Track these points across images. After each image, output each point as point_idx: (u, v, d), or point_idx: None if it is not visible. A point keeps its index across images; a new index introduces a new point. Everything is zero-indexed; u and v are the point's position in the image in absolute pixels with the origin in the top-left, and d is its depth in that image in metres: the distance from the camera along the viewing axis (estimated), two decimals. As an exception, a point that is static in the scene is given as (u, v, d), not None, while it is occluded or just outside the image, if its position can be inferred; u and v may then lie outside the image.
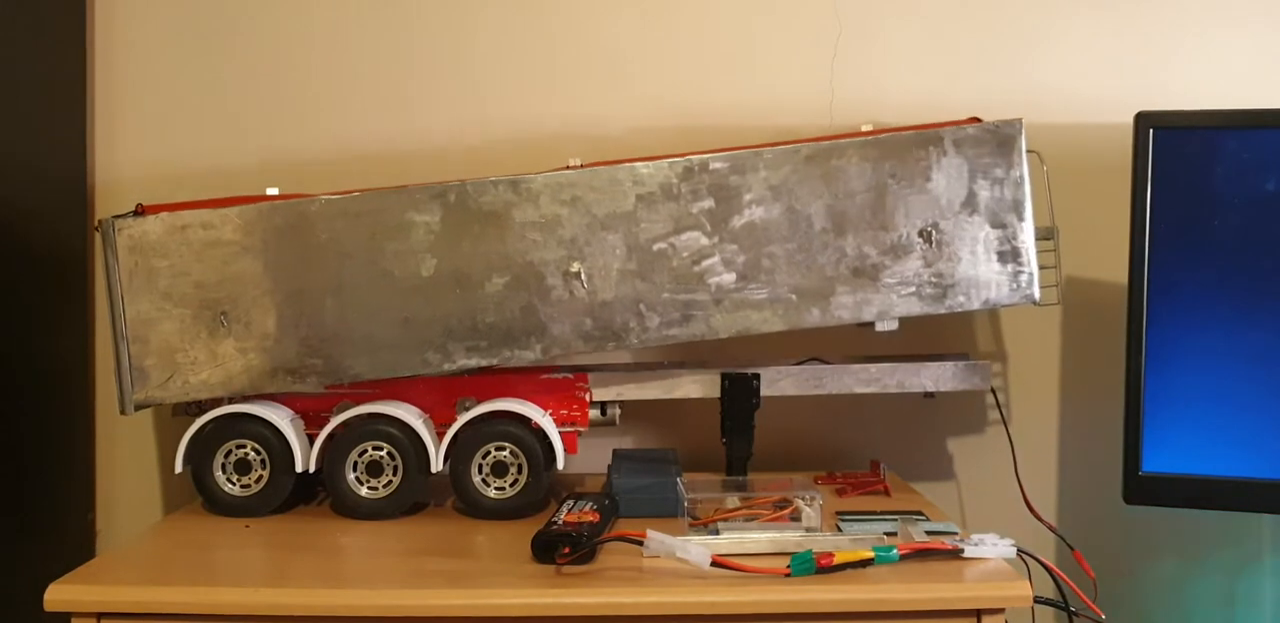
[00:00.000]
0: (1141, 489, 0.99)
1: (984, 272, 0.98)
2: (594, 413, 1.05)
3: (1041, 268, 0.99)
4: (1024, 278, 0.99)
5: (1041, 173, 1.01)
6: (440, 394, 1.03)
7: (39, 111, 1.13)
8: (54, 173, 1.16)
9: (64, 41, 1.17)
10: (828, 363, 1.10)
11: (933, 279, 0.98)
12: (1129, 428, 0.98)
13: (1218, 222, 0.96)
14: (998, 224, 0.98)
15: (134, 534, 0.96)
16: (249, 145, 1.22)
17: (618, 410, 1.06)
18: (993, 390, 1.09)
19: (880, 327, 0.99)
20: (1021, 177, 0.98)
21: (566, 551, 0.82)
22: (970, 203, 0.98)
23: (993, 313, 1.24)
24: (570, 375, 1.04)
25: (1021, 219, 0.98)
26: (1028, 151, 0.98)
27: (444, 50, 1.22)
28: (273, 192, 0.98)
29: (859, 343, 1.23)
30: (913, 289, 0.98)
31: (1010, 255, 0.98)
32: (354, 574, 0.82)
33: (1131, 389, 0.98)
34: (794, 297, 0.98)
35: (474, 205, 0.97)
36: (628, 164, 0.97)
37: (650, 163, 0.97)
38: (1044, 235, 1.00)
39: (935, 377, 1.06)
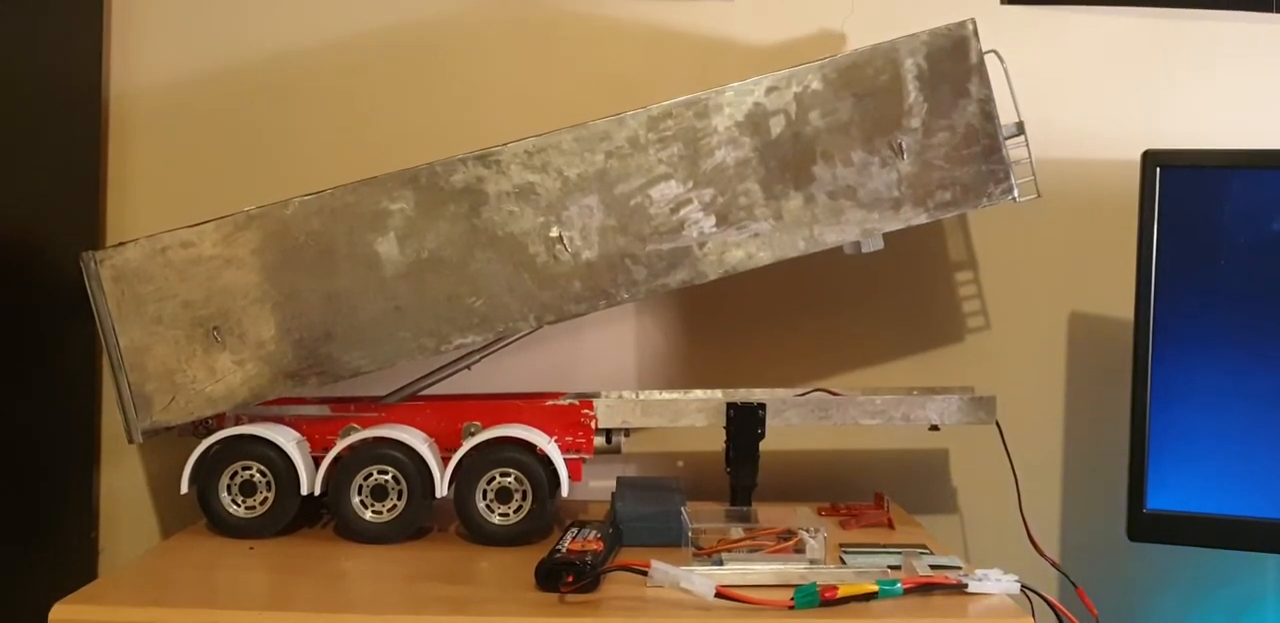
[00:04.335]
0: (1145, 527, 0.98)
1: (960, 175, 0.98)
2: (599, 440, 1.05)
3: (1015, 163, 0.99)
4: (1000, 176, 0.98)
5: (1002, 71, 1.01)
6: (446, 419, 1.03)
7: (54, 25, 1.12)
8: (70, 84, 1.15)
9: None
10: (834, 394, 1.11)
11: (910, 190, 0.98)
12: (1133, 465, 0.98)
13: (1224, 261, 0.96)
14: (966, 126, 0.98)
15: (137, 554, 0.96)
16: (259, 43, 1.23)
17: (623, 438, 1.06)
18: (997, 425, 1.09)
19: (866, 247, 0.99)
20: (982, 76, 0.98)
21: (570, 579, 0.82)
22: (936, 109, 0.98)
23: (999, 347, 1.24)
24: (575, 402, 1.04)
25: (989, 119, 0.98)
26: (986, 51, 0.98)
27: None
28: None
29: (865, 375, 1.23)
30: (892, 203, 0.98)
31: (983, 155, 0.98)
32: (356, 599, 0.82)
33: (1136, 426, 0.98)
34: (777, 230, 0.98)
35: (446, 185, 0.97)
36: (590, 122, 0.97)
37: (612, 118, 0.97)
38: (1013, 132, 1.00)
39: (941, 410, 1.06)
